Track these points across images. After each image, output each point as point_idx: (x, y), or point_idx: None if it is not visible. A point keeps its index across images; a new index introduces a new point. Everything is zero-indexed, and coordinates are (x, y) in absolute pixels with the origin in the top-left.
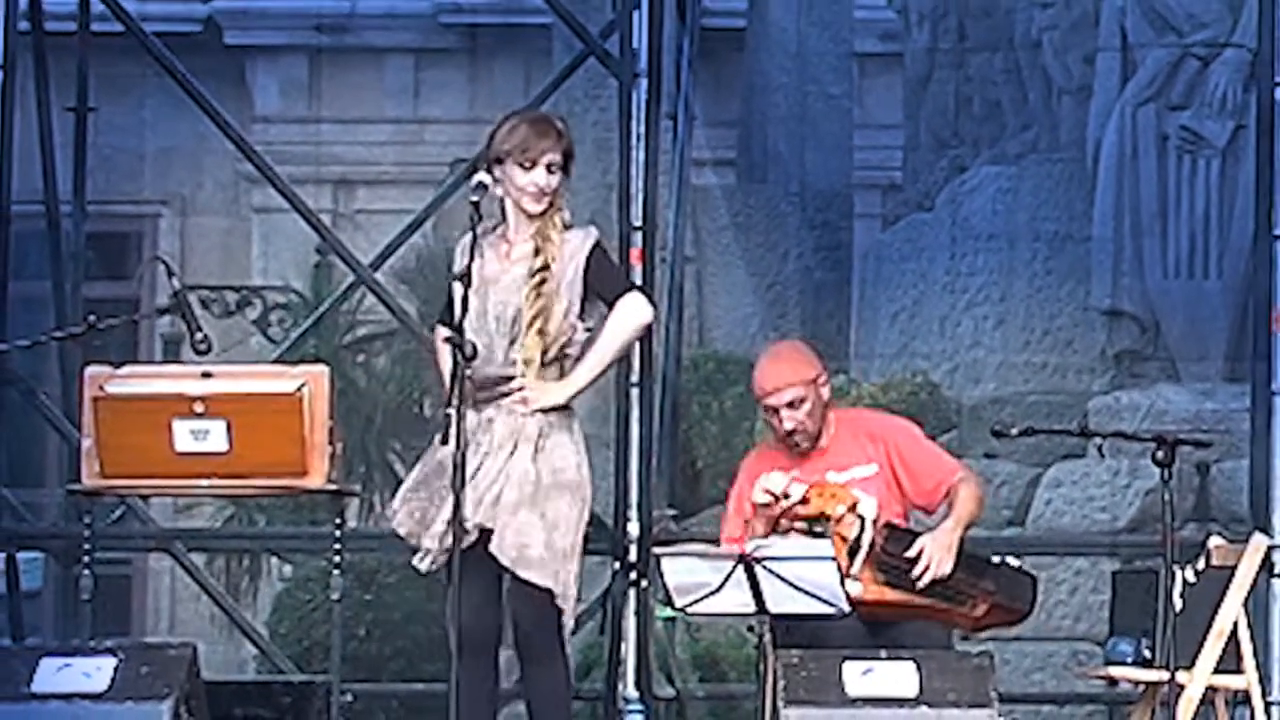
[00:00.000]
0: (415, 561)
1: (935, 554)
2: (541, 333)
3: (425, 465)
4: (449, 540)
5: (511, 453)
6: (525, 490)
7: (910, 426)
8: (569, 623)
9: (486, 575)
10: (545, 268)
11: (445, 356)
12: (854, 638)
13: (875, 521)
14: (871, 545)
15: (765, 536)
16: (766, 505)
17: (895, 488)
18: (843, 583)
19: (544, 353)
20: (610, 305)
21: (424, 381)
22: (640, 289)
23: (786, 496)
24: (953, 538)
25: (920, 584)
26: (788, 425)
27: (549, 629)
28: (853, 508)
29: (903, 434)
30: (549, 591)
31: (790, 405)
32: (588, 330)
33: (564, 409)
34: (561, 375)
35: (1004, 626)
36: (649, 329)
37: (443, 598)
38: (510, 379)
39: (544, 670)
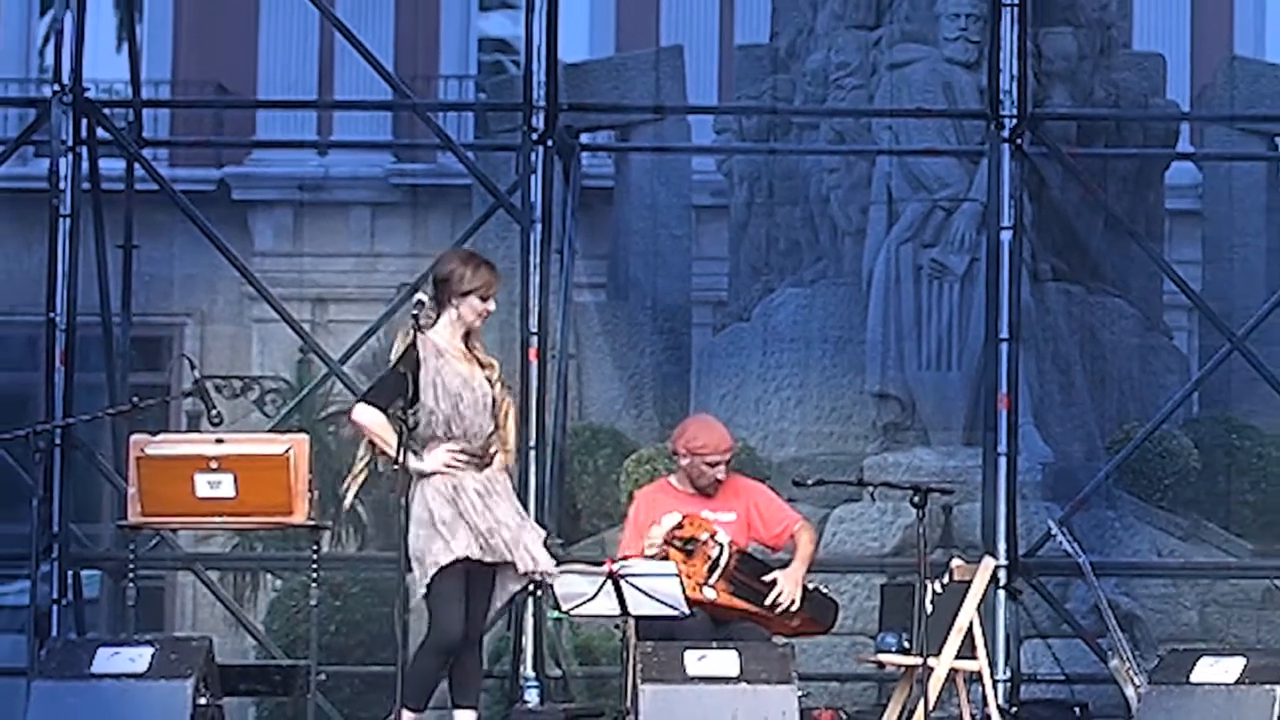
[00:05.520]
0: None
1: (787, 588)
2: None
3: (435, 517)
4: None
5: (502, 496)
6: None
7: (765, 487)
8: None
9: (462, 590)
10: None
11: (384, 429)
12: (700, 630)
13: (732, 546)
14: (727, 565)
15: (662, 546)
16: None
17: (748, 530)
18: (700, 590)
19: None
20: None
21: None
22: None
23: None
24: (799, 574)
25: (772, 605)
26: (718, 475)
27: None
28: (713, 535)
29: (760, 492)
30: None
31: (723, 463)
32: None
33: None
34: None
35: (810, 636)
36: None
37: (391, 604)
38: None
39: (475, 652)
